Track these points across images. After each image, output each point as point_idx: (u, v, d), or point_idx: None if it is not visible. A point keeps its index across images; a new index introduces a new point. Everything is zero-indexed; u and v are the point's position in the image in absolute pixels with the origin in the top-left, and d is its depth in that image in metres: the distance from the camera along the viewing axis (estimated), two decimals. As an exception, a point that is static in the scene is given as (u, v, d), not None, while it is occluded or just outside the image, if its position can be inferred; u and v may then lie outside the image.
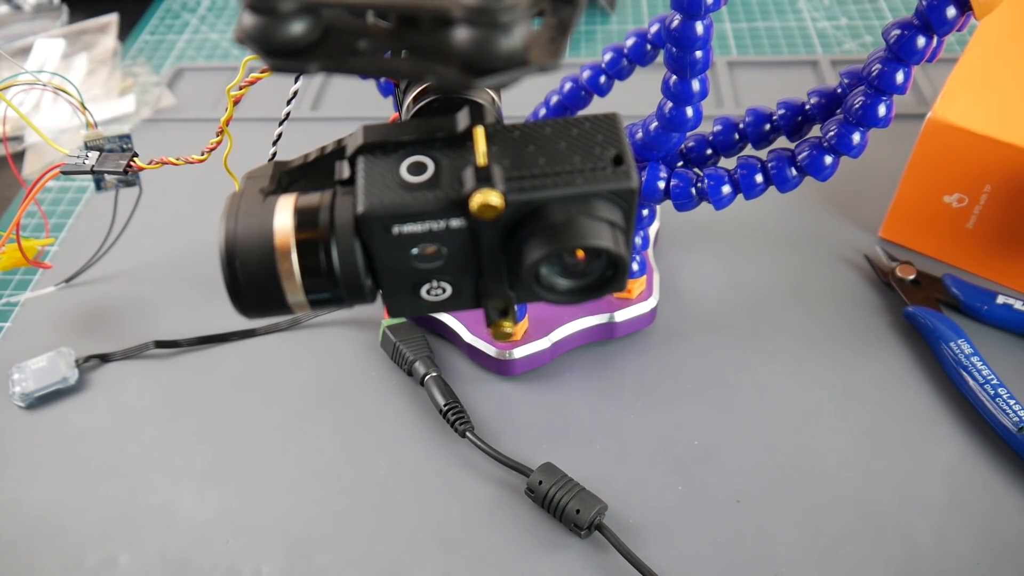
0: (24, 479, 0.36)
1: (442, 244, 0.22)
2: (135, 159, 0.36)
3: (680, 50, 0.30)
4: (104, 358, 0.41)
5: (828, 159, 0.32)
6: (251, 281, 0.22)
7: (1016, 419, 0.34)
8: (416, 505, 0.34)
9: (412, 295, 0.24)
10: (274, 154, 0.32)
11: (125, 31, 0.64)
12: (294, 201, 0.23)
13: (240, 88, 0.30)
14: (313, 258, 0.22)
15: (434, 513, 0.34)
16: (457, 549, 0.33)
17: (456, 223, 0.22)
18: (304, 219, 0.22)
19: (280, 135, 0.32)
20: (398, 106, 0.29)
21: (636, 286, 0.39)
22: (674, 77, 0.31)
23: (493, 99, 0.28)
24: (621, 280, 0.23)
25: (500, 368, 0.38)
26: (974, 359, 0.36)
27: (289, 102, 0.31)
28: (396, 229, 0.22)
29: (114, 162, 0.35)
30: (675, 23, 0.29)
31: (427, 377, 0.37)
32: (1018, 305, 0.38)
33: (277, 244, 0.22)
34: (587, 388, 0.38)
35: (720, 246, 0.44)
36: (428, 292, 0.24)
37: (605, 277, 0.23)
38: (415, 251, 0.22)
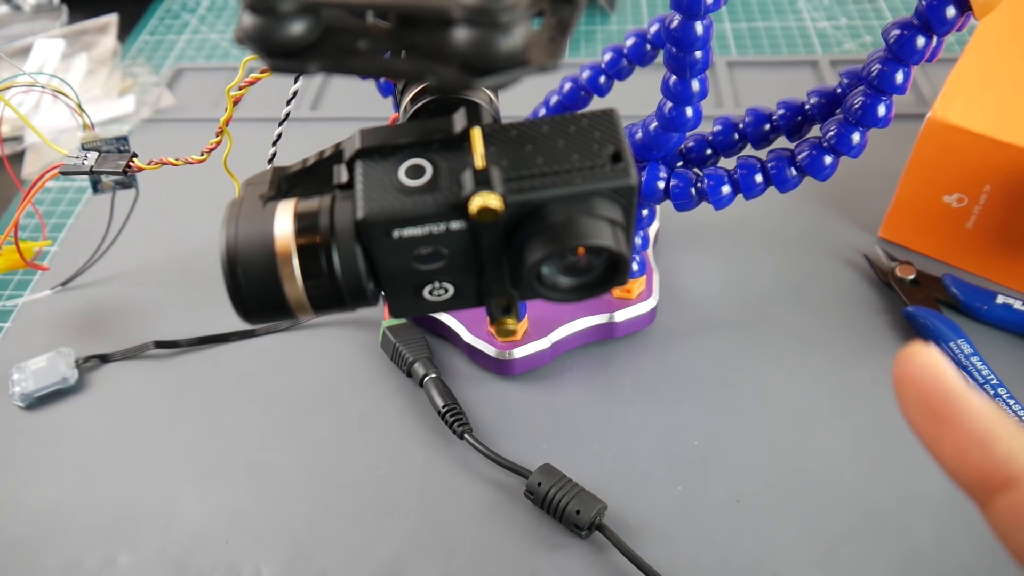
0: (24, 479, 0.36)
1: (443, 246, 0.22)
2: (134, 159, 0.36)
3: (680, 50, 0.30)
4: (104, 358, 0.41)
5: (828, 159, 0.32)
6: (253, 287, 0.22)
7: (1016, 419, 0.34)
8: (416, 506, 0.34)
9: (414, 296, 0.24)
10: (274, 154, 0.32)
11: (125, 31, 0.64)
12: (294, 206, 0.23)
13: (240, 88, 0.30)
14: (314, 262, 0.22)
15: (434, 514, 0.34)
16: (457, 549, 0.33)
17: (456, 225, 0.22)
18: (304, 224, 0.22)
19: (280, 135, 0.32)
20: (397, 106, 0.29)
21: (636, 286, 0.39)
22: (674, 77, 0.31)
23: (490, 98, 0.28)
24: (623, 276, 0.23)
25: (500, 368, 0.38)
26: (974, 359, 0.36)
27: (289, 102, 0.31)
28: (396, 233, 0.22)
29: (113, 162, 0.35)
30: (675, 23, 0.29)
31: (426, 378, 0.37)
32: (1018, 305, 0.38)
33: (278, 249, 0.22)
34: (587, 388, 0.38)
35: (720, 246, 0.44)
36: (430, 293, 0.24)
37: (607, 274, 0.23)
38: (422, 251, 0.22)
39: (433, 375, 0.37)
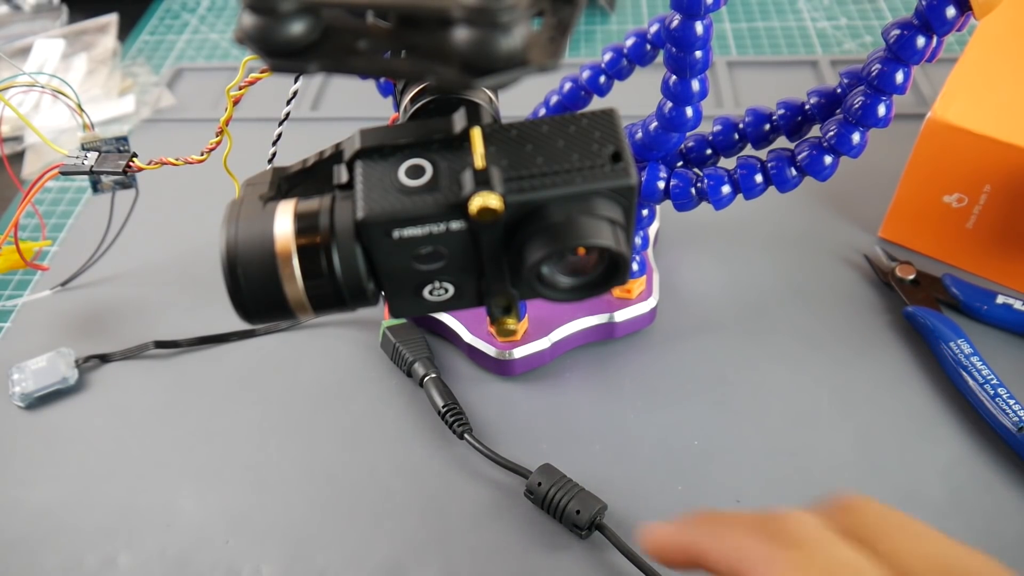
0: (24, 479, 0.36)
1: (443, 246, 0.22)
2: (134, 159, 0.36)
3: (680, 50, 0.30)
4: (104, 358, 0.40)
5: (828, 159, 0.32)
6: (253, 287, 0.22)
7: (1016, 419, 0.34)
8: (416, 505, 0.34)
9: (415, 296, 0.24)
10: (274, 154, 0.32)
11: (125, 31, 0.64)
12: (294, 206, 0.23)
13: (240, 88, 0.30)
14: (314, 262, 0.22)
15: (434, 513, 0.34)
16: (457, 550, 0.33)
17: (456, 225, 0.22)
18: (304, 224, 0.22)
19: (280, 135, 0.32)
20: (397, 106, 0.29)
21: (636, 286, 0.39)
22: (674, 77, 0.31)
23: (490, 98, 0.28)
24: (623, 276, 0.23)
25: (500, 368, 0.38)
26: (974, 359, 0.36)
27: (289, 102, 0.31)
28: (396, 233, 0.22)
29: (113, 162, 0.35)
30: (675, 23, 0.29)
31: (426, 378, 0.37)
32: (1018, 305, 0.38)
33: (278, 250, 0.22)
34: (587, 388, 0.38)
35: (720, 246, 0.44)
36: (431, 293, 0.24)
37: (607, 274, 0.23)
38: (422, 251, 0.22)
39: (433, 375, 0.37)
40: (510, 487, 0.35)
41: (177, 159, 0.34)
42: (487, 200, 0.21)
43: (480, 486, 0.35)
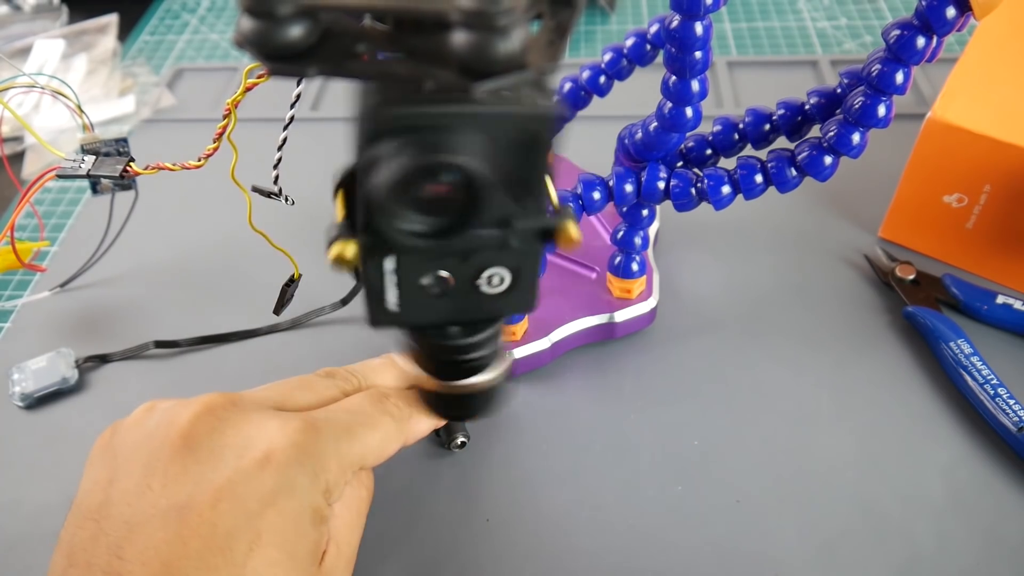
0: (24, 479, 0.36)
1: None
2: (131, 164, 0.35)
3: (680, 50, 0.30)
4: (104, 358, 0.41)
5: (828, 159, 0.32)
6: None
7: (1016, 419, 0.34)
8: (414, 508, 0.34)
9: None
10: (279, 160, 0.32)
11: (125, 31, 0.64)
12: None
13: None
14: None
15: (433, 516, 0.34)
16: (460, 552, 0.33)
17: None
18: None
19: (285, 140, 0.31)
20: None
21: (636, 286, 0.39)
22: (674, 77, 0.31)
23: None
24: (483, 210, 0.20)
25: (500, 368, 0.38)
26: (974, 359, 0.36)
27: (292, 105, 0.30)
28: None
29: (110, 166, 0.35)
30: (675, 23, 0.29)
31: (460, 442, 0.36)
32: (1018, 305, 0.38)
33: None
34: (587, 388, 0.38)
35: (720, 246, 0.44)
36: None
37: (466, 208, 0.20)
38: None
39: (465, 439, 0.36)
40: (510, 501, 0.35)
41: (174, 164, 0.34)
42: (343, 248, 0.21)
43: (479, 495, 0.35)
